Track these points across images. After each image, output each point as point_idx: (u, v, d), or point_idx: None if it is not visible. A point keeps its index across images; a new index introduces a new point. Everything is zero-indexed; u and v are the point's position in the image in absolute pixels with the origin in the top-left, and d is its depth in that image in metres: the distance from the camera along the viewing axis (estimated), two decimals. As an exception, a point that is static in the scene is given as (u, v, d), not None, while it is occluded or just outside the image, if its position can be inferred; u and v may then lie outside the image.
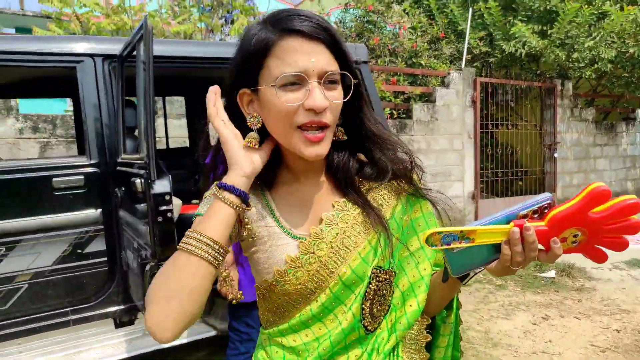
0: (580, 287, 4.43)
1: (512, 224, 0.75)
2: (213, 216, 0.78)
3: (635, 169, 9.18)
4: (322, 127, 0.81)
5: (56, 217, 2.38)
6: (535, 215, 0.76)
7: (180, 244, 0.77)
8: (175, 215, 2.44)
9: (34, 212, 2.33)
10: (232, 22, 6.69)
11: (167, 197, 1.88)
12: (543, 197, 0.76)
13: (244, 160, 0.81)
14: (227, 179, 0.81)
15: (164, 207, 1.86)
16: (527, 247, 0.75)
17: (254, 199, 0.91)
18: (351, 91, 0.84)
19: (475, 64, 7.61)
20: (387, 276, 0.90)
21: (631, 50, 6.88)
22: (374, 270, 0.88)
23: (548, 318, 3.72)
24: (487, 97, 7.21)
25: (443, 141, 6.71)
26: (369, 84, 2.94)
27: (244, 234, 0.89)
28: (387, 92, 6.41)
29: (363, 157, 0.94)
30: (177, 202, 2.67)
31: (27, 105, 9.75)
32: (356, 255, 0.87)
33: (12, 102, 4.80)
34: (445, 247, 0.75)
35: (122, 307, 2.57)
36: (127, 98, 2.57)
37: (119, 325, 2.64)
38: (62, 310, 2.42)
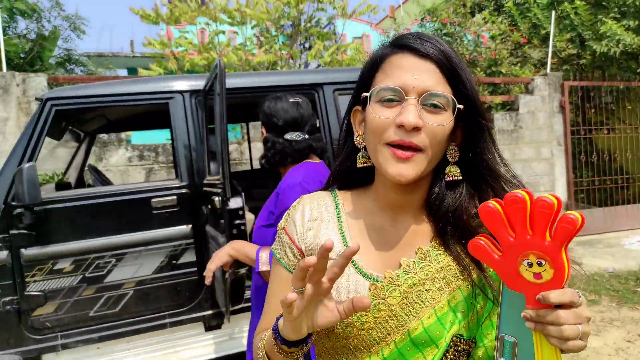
0: (689, 304, 4.01)
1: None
2: None
3: None
4: (414, 149, 0.73)
5: (155, 233, 2.76)
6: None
7: None
8: (249, 228, 2.70)
9: (137, 228, 2.73)
10: (310, 48, 7.09)
11: (240, 212, 2.13)
12: None
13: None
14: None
15: (238, 221, 2.12)
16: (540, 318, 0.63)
17: (326, 218, 0.84)
18: (454, 117, 0.74)
19: (565, 67, 7.24)
20: (467, 347, 0.79)
21: None
22: (454, 339, 0.78)
23: (646, 335, 3.44)
24: (580, 101, 6.80)
25: (528, 150, 6.45)
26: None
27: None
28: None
29: None
30: (249, 216, 2.95)
31: (138, 136, 10.99)
32: (432, 312, 0.77)
33: (123, 135, 5.53)
34: None
35: (210, 312, 2.87)
36: (210, 126, 2.92)
37: (208, 328, 2.95)
38: (160, 314, 2.78)
